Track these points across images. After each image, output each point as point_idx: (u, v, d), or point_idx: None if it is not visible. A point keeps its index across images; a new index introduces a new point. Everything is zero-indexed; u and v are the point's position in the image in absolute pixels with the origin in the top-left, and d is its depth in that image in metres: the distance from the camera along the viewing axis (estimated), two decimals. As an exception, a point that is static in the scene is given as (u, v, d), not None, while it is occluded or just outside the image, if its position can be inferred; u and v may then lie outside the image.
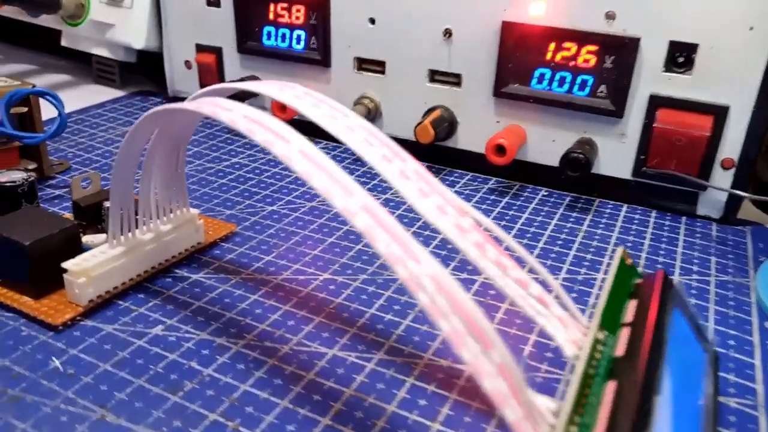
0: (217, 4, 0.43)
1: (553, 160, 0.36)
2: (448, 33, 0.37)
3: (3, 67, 0.56)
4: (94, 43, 0.50)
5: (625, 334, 0.19)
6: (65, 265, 0.23)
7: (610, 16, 0.33)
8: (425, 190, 0.19)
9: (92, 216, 0.28)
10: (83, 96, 0.50)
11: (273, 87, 0.21)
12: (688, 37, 0.32)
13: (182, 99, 0.49)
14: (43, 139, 0.31)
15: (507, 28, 0.35)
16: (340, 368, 0.22)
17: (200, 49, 0.45)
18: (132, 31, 0.47)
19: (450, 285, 0.15)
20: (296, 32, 0.41)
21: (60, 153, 0.39)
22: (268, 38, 0.42)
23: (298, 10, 0.40)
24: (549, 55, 0.35)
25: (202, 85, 0.46)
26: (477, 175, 0.39)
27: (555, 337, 0.18)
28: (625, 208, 0.36)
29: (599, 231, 0.33)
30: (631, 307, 0.20)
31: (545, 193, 0.37)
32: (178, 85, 0.47)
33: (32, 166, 0.34)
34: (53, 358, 0.22)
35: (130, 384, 0.21)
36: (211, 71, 0.45)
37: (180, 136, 0.25)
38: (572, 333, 0.19)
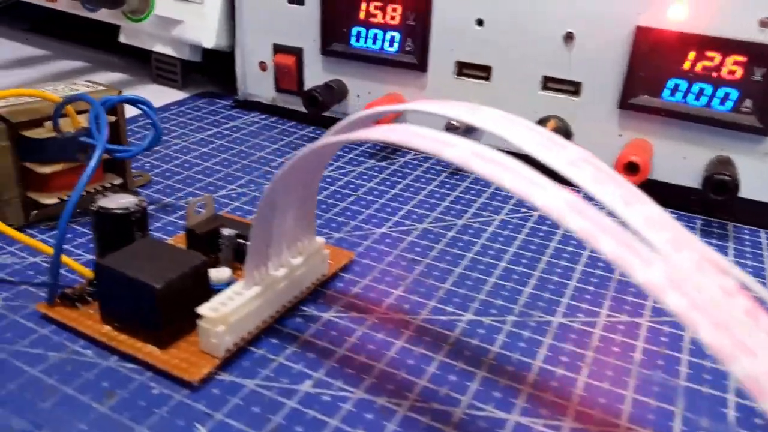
0: (301, 2, 0.40)
1: (684, 179, 0.33)
2: (569, 37, 0.33)
3: (54, 64, 0.53)
4: (156, 40, 0.47)
5: None
6: (201, 310, 0.20)
7: (764, 24, 0.30)
8: (679, 241, 0.15)
9: (207, 245, 0.24)
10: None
11: (464, 110, 0.18)
12: None
13: (254, 103, 0.46)
14: (137, 153, 0.28)
15: (641, 33, 0.32)
16: (528, 439, 0.19)
17: (278, 49, 0.42)
18: (202, 28, 0.43)
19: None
20: (390, 33, 0.38)
21: (135, 163, 0.36)
22: (357, 39, 0.39)
23: (394, 10, 0.37)
24: (687, 65, 0.32)
25: (279, 89, 0.43)
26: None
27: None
28: (763, 233, 0.33)
29: (749, 262, 0.30)
30: None
31: (673, 216, 0.34)
32: (251, 88, 0.44)
33: (117, 181, 0.31)
34: (197, 425, 0.19)
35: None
36: (290, 74, 0.41)
37: (320, 163, 0.22)
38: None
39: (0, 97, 0.25)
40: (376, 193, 0.34)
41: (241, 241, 0.25)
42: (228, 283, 0.23)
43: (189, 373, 0.20)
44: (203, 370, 0.20)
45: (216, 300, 0.20)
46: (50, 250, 0.22)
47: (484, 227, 0.31)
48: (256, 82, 0.44)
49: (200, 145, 0.39)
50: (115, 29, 0.49)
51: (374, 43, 0.38)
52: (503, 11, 0.35)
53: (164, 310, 0.20)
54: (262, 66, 0.43)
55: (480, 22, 0.35)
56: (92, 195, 0.30)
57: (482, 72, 0.36)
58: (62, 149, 0.27)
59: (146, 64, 0.51)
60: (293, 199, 0.22)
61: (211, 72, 0.50)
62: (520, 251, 0.29)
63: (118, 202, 0.23)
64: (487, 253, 0.29)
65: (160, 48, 0.47)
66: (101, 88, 0.30)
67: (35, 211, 0.28)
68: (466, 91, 0.37)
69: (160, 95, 0.48)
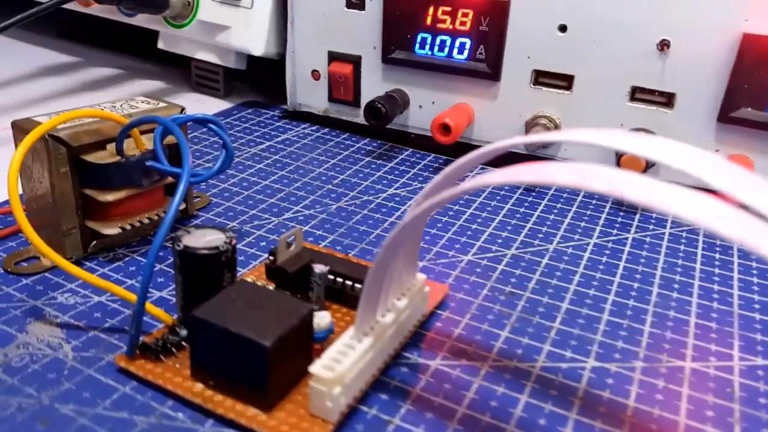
0: (361, 7, 0.37)
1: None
2: (664, 45, 0.31)
3: (87, 71, 0.50)
4: (198, 46, 0.44)
5: None
6: (315, 370, 0.17)
7: None
8: None
9: (297, 284, 0.22)
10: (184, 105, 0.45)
11: (632, 140, 0.15)
12: None
13: (304, 113, 0.44)
14: (208, 177, 0.26)
15: (748, 41, 0.29)
16: None
17: (334, 57, 0.39)
18: (250, 35, 0.41)
19: None
20: (459, 40, 0.35)
21: (187, 181, 0.33)
22: (422, 47, 0.36)
23: (464, 15, 0.34)
24: (799, 74, 0.29)
25: (332, 99, 0.40)
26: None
27: None
28: None
29: None
30: None
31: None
32: (302, 98, 0.41)
33: (181, 206, 0.28)
34: (320, 508, 0.16)
35: None
36: (346, 83, 0.39)
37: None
38: None
39: (63, 120, 0.22)
40: (451, 213, 0.32)
41: (333, 278, 0.22)
42: (328, 331, 0.20)
43: (303, 443, 0.17)
44: (318, 440, 0.17)
45: (328, 356, 0.18)
46: (133, 298, 0.20)
47: (578, 253, 0.29)
48: (307, 91, 0.41)
49: (255, 160, 0.36)
50: (150, 35, 0.46)
51: (441, 50, 0.36)
52: (590, 17, 0.32)
53: (273, 369, 0.17)
54: (315, 75, 0.40)
55: (563, 29, 0.33)
56: (155, 222, 0.27)
57: (563, 81, 0.34)
58: (126, 174, 0.25)
59: (184, 71, 0.49)
60: (406, 241, 0.19)
61: (254, 80, 0.48)
62: (626, 281, 0.26)
63: (205, 239, 0.20)
64: (590, 284, 0.26)
65: (202, 55, 0.44)
66: (162, 104, 0.28)
67: (94, 242, 0.26)
68: (544, 102, 0.34)
69: (201, 105, 0.45)
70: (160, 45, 0.46)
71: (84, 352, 0.21)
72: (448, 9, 0.35)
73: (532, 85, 0.34)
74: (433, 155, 0.38)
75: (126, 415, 0.18)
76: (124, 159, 0.24)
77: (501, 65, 0.35)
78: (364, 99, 0.39)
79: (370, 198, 0.33)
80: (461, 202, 0.33)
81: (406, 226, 0.17)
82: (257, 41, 0.41)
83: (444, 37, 0.35)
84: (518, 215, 0.32)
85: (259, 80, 0.47)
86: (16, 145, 0.24)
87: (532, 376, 0.21)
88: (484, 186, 0.15)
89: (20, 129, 0.24)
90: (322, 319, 0.20)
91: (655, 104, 0.32)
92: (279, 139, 0.40)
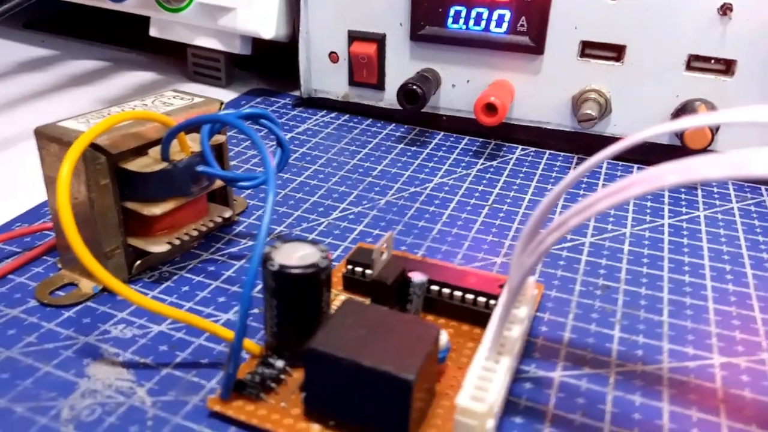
0: (386, -20, 0.34)
1: None
2: (725, 9, 0.29)
3: (67, 65, 0.45)
4: (196, 32, 0.40)
5: None
6: (463, 402, 0.15)
7: None
8: None
9: (396, 296, 0.19)
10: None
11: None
12: None
13: (321, 99, 0.40)
14: (263, 182, 0.23)
15: (820, -1, 0.27)
16: None
17: (354, 37, 0.36)
18: (258, 16, 0.37)
19: None
20: (498, 12, 0.32)
21: (213, 182, 0.30)
22: (455, 21, 0.33)
23: (504, -16, 0.32)
24: None
25: (353, 83, 0.37)
26: (744, 185, 0.32)
27: None
28: None
29: None
30: None
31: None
32: (317, 83, 0.38)
33: (228, 213, 0.25)
34: None
35: None
36: (369, 65, 0.36)
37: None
38: None
39: (109, 126, 0.19)
40: (509, 200, 0.29)
41: (432, 287, 0.20)
42: (446, 349, 0.18)
43: (457, 489, 0.15)
44: (474, 483, 0.15)
45: (470, 384, 0.15)
46: (230, 335, 0.17)
47: (657, 236, 0.27)
48: (324, 76, 0.38)
49: (301, 157, 0.33)
50: (135, 21, 0.42)
51: (477, 23, 0.33)
52: (643, -20, 0.30)
53: (413, 404, 0.15)
54: (333, 57, 0.37)
55: (614, -5, 0.30)
56: (204, 234, 0.25)
57: (612, 52, 0.32)
58: (173, 183, 0.22)
59: (177, 60, 0.45)
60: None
61: (259, 66, 0.44)
62: (717, 264, 0.25)
63: (297, 256, 0.17)
64: (682, 270, 0.25)
65: (201, 41, 0.40)
66: (198, 99, 0.24)
67: (138, 262, 0.23)
68: (591, 75, 0.32)
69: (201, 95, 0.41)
70: (153, 32, 0.42)
71: (162, 395, 0.18)
72: (485, -21, 0.32)
73: (579, 58, 0.32)
74: (467, 138, 0.36)
75: (236, 470, 0.16)
76: (171, 165, 0.21)
77: (545, 37, 0.32)
78: (389, 81, 0.36)
79: (418, 189, 0.30)
80: (514, 186, 0.31)
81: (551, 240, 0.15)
82: (267, 23, 0.37)
83: (480, 10, 0.33)
84: (580, 198, 0.30)
85: (263, 66, 0.44)
86: (41, 154, 0.21)
87: (664, 380, 0.19)
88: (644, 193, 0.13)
89: (46, 137, 0.21)
90: (441, 338, 0.18)
91: (714, 72, 0.30)
92: (299, 130, 0.36)
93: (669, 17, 0.30)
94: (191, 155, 0.22)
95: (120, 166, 0.21)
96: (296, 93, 0.40)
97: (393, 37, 0.35)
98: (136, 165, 0.21)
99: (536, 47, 0.32)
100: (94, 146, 0.20)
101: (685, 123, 0.15)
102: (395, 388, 0.15)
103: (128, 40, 0.49)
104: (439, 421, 0.16)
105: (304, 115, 0.38)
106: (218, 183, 0.24)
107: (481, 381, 0.16)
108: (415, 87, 0.33)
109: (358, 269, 0.21)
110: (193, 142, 0.22)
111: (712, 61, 0.30)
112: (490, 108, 0.32)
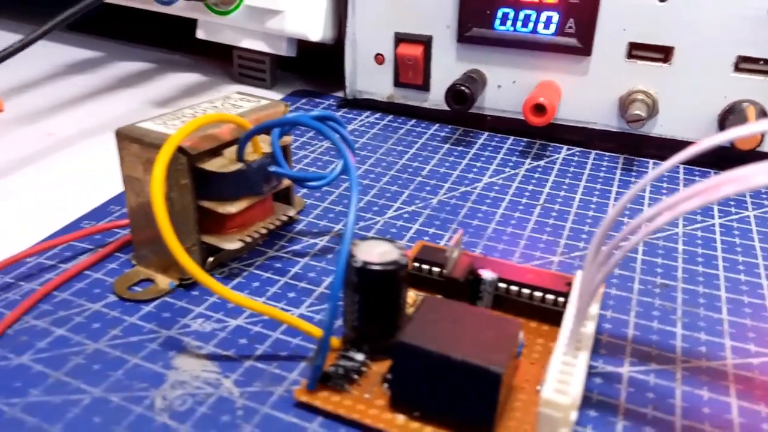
0: (434, -17, 0.35)
1: None
2: (777, 10, 0.29)
3: (113, 66, 0.46)
4: (243, 34, 0.41)
5: None
6: (548, 395, 0.15)
7: None
8: None
9: (468, 294, 0.20)
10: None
11: None
12: None
13: (365, 100, 0.41)
14: (331, 181, 0.23)
15: None
16: None
17: (401, 39, 0.37)
18: (307, 19, 0.38)
19: None
20: (546, 14, 0.33)
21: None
22: (503, 22, 0.34)
23: (552, -13, 0.32)
24: None
25: (398, 84, 0.38)
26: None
27: None
28: None
29: None
30: None
31: None
32: (362, 84, 0.39)
33: (291, 212, 0.26)
34: None
35: None
36: (416, 66, 0.36)
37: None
38: None
39: (195, 128, 0.20)
40: (560, 200, 0.30)
41: (500, 285, 0.21)
42: (522, 344, 0.19)
43: (544, 478, 0.15)
44: (559, 473, 0.16)
45: (553, 377, 0.16)
46: (318, 332, 0.18)
47: (709, 235, 0.27)
48: (369, 77, 0.39)
49: (330, 155, 0.34)
50: (175, 23, 0.43)
51: (525, 25, 0.34)
52: (693, -17, 0.30)
53: (500, 397, 0.15)
54: (379, 59, 0.38)
55: (663, -3, 0.31)
56: (269, 232, 0.25)
57: (659, 53, 0.32)
58: (247, 182, 0.22)
59: (220, 61, 0.46)
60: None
61: (301, 68, 0.45)
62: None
63: (377, 252, 0.18)
64: (737, 269, 0.25)
65: (248, 43, 0.41)
66: (264, 101, 0.25)
67: (211, 258, 0.23)
68: (639, 76, 0.33)
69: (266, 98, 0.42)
70: (199, 34, 0.43)
71: (247, 387, 0.19)
72: (534, -19, 0.33)
73: (627, 59, 0.33)
74: (512, 138, 0.36)
75: (329, 458, 0.16)
76: (245, 166, 0.22)
77: (592, 39, 0.33)
78: (435, 82, 0.37)
79: (468, 189, 0.31)
80: (564, 187, 0.31)
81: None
82: (314, 26, 0.38)
83: (528, 12, 0.33)
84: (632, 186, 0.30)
85: (306, 67, 0.44)
86: (121, 155, 0.22)
87: (730, 376, 0.20)
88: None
89: (127, 137, 0.21)
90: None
91: (763, 74, 0.31)
92: (347, 130, 0.37)
93: (718, 18, 0.30)
94: (263, 156, 0.23)
95: (197, 166, 0.22)
96: (339, 94, 0.41)
97: (439, 39, 0.36)
98: (213, 165, 0.22)
99: (584, 48, 0.33)
100: (177, 148, 0.21)
101: (764, 126, 0.15)
102: (484, 381, 0.15)
103: (169, 41, 0.50)
104: (518, 413, 0.17)
105: (349, 116, 0.39)
106: (285, 183, 0.25)
107: (563, 375, 0.16)
108: (463, 88, 0.33)
109: (425, 266, 0.22)
110: (263, 143, 0.23)
111: (761, 62, 0.31)
112: (539, 108, 0.32)
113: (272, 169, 0.23)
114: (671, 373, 0.20)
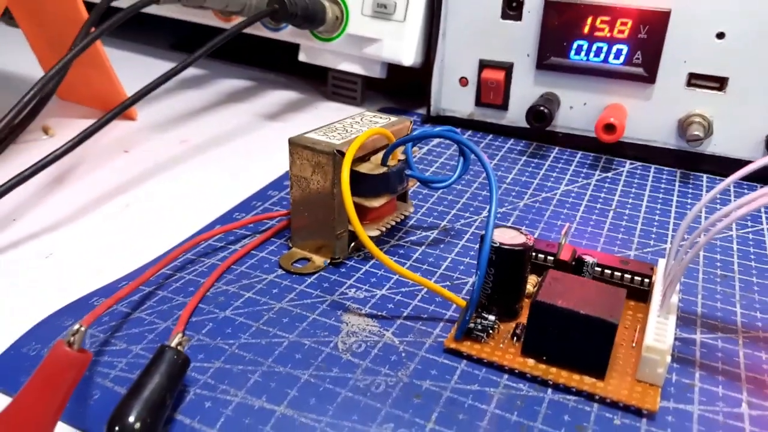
0: (518, 18, 0.40)
1: None
2: (820, 48, 0.34)
3: (217, 83, 0.53)
4: (341, 58, 0.47)
5: None
6: (651, 343, 0.21)
7: None
8: None
9: (571, 272, 0.25)
10: (323, 115, 0.48)
11: None
12: None
13: (447, 117, 0.48)
14: (453, 182, 0.29)
15: None
16: None
17: (485, 65, 0.42)
18: (402, 46, 0.44)
19: None
20: (617, 46, 0.38)
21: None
22: (578, 53, 0.39)
23: (623, 24, 0.38)
24: None
25: (479, 103, 0.43)
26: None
27: None
28: None
29: None
30: None
31: None
32: (446, 103, 0.45)
33: (411, 209, 0.31)
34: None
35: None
36: (497, 89, 0.42)
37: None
38: None
39: (364, 139, 0.26)
40: (629, 206, 0.35)
41: (599, 269, 0.26)
42: (618, 311, 0.24)
43: (646, 402, 0.20)
44: (657, 399, 0.21)
45: (651, 331, 0.21)
46: (461, 301, 0.23)
47: (759, 238, 0.32)
48: (452, 97, 0.44)
49: (423, 163, 0.40)
50: (268, 45, 0.49)
51: (597, 55, 0.39)
52: (748, 26, 0.35)
53: (613, 344, 0.21)
54: (463, 81, 0.43)
55: (720, 36, 0.36)
56: (393, 225, 0.31)
57: (716, 83, 0.37)
58: (388, 183, 0.28)
59: (312, 80, 0.52)
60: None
61: (388, 87, 0.51)
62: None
63: (508, 236, 0.24)
64: (785, 265, 0.30)
65: (345, 66, 0.47)
66: (394, 118, 0.31)
67: (353, 243, 0.29)
68: (696, 102, 0.38)
69: (339, 112, 0.48)
70: (301, 57, 0.49)
71: (404, 337, 0.24)
72: (607, 19, 0.38)
73: (686, 87, 0.38)
74: (580, 152, 0.42)
75: (477, 387, 0.22)
76: (389, 169, 0.28)
77: (657, 69, 0.38)
78: (513, 102, 0.43)
79: (549, 195, 0.36)
80: (631, 195, 0.36)
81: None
82: (408, 52, 0.44)
83: (601, 44, 0.39)
84: (690, 196, 0.35)
85: (390, 87, 0.50)
86: (292, 159, 0.28)
87: (786, 347, 0.25)
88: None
89: (300, 145, 0.27)
90: (615, 301, 0.24)
91: (807, 101, 0.36)
92: (434, 143, 0.43)
93: (767, 53, 0.36)
94: (399, 162, 0.28)
95: (354, 169, 0.27)
96: (421, 111, 0.47)
97: (520, 65, 0.41)
98: (365, 168, 0.27)
99: (649, 77, 0.38)
100: (342, 154, 0.26)
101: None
102: (603, 331, 0.20)
103: (264, 61, 0.57)
104: (621, 361, 0.22)
105: (434, 130, 0.45)
106: (410, 184, 0.30)
107: (659, 329, 0.21)
108: (543, 108, 0.39)
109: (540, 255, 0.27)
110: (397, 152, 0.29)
111: (805, 91, 0.36)
112: (610, 128, 0.37)
113: (408, 172, 0.28)
114: (735, 340, 0.25)
